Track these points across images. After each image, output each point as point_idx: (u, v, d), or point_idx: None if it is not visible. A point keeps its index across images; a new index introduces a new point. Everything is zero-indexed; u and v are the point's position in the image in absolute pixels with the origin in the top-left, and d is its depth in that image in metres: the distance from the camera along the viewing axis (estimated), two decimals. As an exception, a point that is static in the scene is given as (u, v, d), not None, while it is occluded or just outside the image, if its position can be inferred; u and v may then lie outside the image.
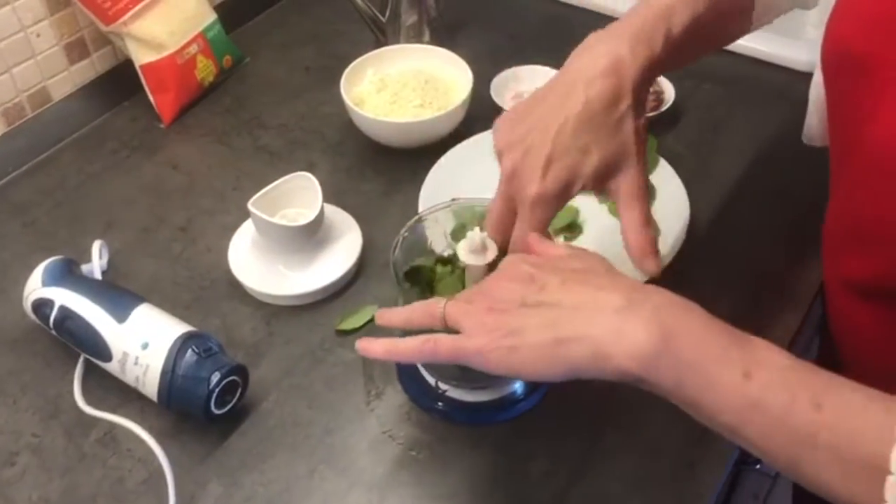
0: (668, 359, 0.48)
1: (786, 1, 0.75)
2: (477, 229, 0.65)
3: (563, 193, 0.62)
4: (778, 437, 0.46)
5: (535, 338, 0.51)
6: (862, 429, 0.44)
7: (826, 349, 0.78)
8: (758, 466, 0.84)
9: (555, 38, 1.19)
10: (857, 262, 0.63)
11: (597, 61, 0.62)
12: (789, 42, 1.06)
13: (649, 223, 0.62)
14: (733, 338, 0.49)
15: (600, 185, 0.63)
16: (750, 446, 0.48)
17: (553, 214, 0.63)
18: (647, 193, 0.63)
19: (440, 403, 0.73)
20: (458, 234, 0.70)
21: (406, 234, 0.70)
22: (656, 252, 0.62)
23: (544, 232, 0.63)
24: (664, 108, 0.99)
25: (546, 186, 0.60)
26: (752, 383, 0.46)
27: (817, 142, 0.74)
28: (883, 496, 0.42)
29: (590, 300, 0.51)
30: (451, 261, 0.70)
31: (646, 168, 0.64)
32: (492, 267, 0.66)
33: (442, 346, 0.55)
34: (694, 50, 0.71)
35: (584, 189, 0.62)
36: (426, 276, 0.70)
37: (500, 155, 0.64)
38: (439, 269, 0.70)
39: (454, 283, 0.68)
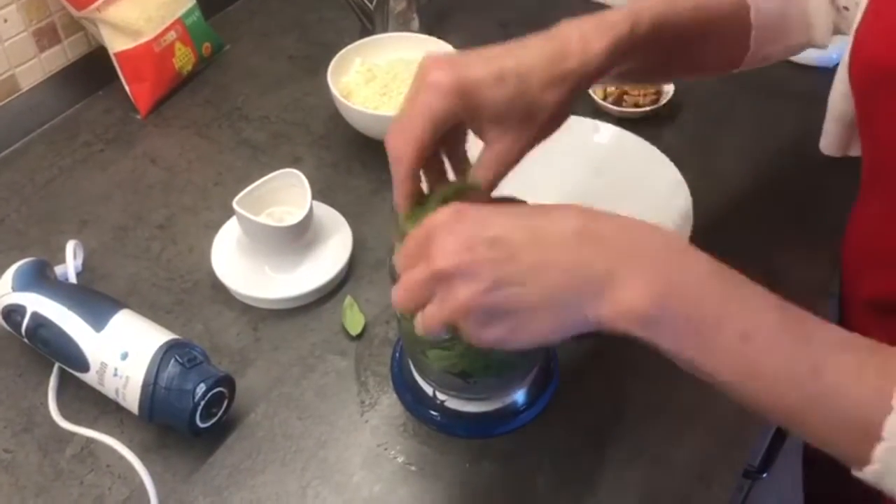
0: (667, 320, 0.46)
1: (791, 35, 0.71)
2: None
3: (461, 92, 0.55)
4: (774, 400, 0.46)
5: (533, 316, 0.47)
6: (857, 396, 0.44)
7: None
8: (764, 475, 0.82)
9: (544, 26, 1.16)
10: (882, 282, 0.60)
11: (557, 33, 0.58)
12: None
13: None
14: (730, 287, 0.47)
15: (494, 125, 0.56)
16: (751, 407, 0.47)
17: (445, 109, 0.55)
18: (511, 164, 0.58)
19: (438, 414, 0.70)
20: None
21: (403, 236, 0.66)
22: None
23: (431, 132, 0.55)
24: (663, 101, 0.96)
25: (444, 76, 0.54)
26: (750, 348, 0.45)
27: (836, 152, 0.71)
28: (870, 459, 0.43)
29: (577, 261, 0.47)
30: None
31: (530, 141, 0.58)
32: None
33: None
34: (675, 59, 0.67)
35: (474, 123, 0.57)
36: None
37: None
38: None
39: None
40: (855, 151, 0.67)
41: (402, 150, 0.55)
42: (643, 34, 0.59)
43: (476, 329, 0.48)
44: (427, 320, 0.49)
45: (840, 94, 0.65)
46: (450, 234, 0.47)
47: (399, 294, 0.50)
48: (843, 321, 0.71)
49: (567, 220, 0.48)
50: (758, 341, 0.45)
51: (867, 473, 0.44)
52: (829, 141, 0.70)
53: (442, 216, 0.49)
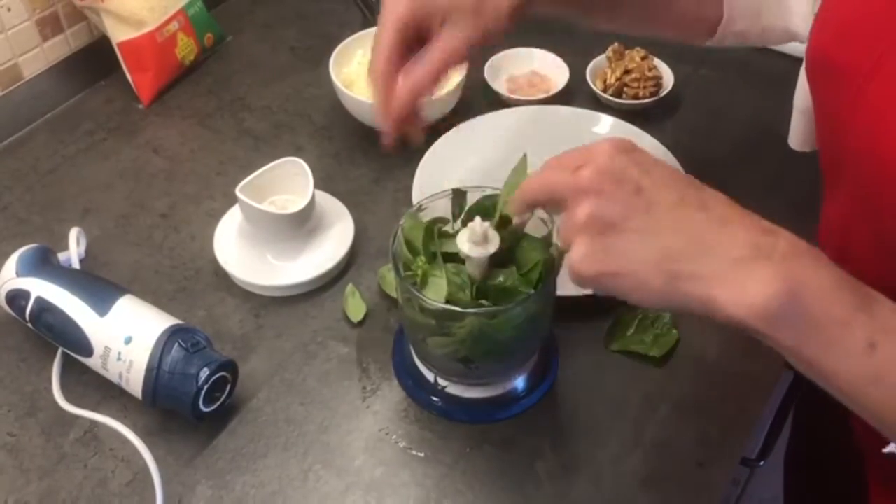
0: (792, 317, 0.44)
1: (766, 13, 0.71)
2: (478, 219, 0.62)
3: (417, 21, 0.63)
4: (893, 410, 0.44)
5: (644, 269, 0.47)
6: None
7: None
8: (761, 463, 0.82)
9: (548, 19, 1.17)
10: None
11: None
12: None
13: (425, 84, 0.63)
14: (860, 297, 0.45)
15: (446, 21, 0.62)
16: (864, 414, 0.46)
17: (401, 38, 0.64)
18: (456, 57, 0.63)
19: (439, 400, 0.71)
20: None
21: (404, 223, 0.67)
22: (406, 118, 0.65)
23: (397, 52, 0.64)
24: (663, 93, 0.97)
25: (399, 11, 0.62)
26: (876, 355, 0.44)
27: (805, 147, 0.72)
28: None
29: (710, 237, 0.46)
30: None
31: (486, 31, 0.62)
32: (493, 259, 0.63)
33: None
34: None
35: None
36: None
37: None
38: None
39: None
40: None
41: (378, 62, 0.65)
42: None
43: (581, 253, 0.48)
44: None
45: (803, 89, 0.65)
46: (608, 159, 0.49)
47: (531, 183, 0.54)
48: None
49: (717, 204, 0.48)
50: (886, 350, 0.44)
51: None
52: (795, 135, 0.70)
53: (609, 146, 0.50)
